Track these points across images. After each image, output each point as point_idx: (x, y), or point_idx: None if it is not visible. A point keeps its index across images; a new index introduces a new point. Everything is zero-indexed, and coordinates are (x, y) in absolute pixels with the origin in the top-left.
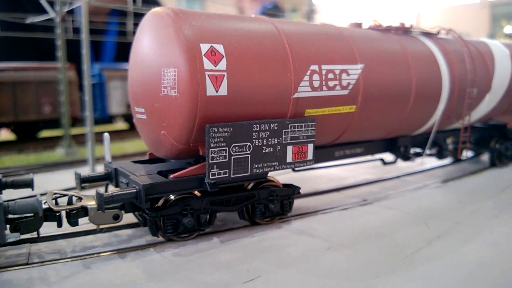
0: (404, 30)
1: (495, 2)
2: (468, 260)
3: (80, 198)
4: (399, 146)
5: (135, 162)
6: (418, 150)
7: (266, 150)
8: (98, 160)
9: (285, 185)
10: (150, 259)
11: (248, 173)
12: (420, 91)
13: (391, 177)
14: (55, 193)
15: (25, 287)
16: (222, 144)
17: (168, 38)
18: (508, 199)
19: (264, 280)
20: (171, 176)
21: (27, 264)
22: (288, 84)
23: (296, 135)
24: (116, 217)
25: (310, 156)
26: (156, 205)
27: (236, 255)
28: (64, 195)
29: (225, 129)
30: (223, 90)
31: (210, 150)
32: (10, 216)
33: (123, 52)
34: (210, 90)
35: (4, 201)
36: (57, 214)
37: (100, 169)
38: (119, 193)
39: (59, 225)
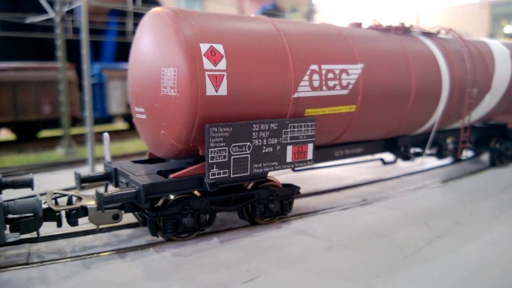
0: (404, 30)
1: (495, 2)
2: (468, 260)
3: (80, 198)
4: (399, 146)
5: (135, 162)
6: (418, 150)
7: (266, 150)
8: (98, 160)
9: (285, 185)
10: (149, 259)
11: (248, 173)
12: (420, 90)
13: (391, 177)
14: (55, 193)
15: (25, 287)
16: (222, 144)
17: (167, 38)
18: (508, 199)
19: (263, 280)
20: (171, 176)
21: (27, 264)
22: (288, 84)
23: (296, 135)
24: (116, 217)
25: (310, 156)
26: (155, 205)
27: (236, 255)
28: (64, 195)
29: (224, 129)
30: (222, 90)
31: (209, 150)
32: (10, 216)
33: (123, 52)
34: (210, 90)
35: (4, 201)
36: (57, 214)
37: (100, 169)
38: (119, 193)
39: (59, 225)
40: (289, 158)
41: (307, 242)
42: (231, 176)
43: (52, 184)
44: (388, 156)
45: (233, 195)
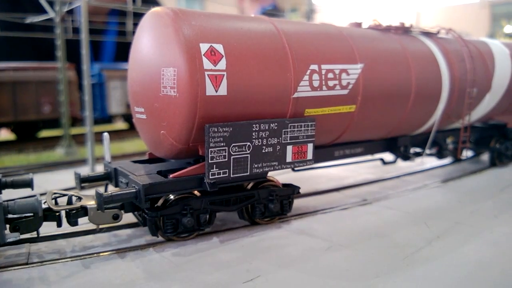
0: (404, 30)
1: (495, 2)
2: (468, 260)
3: (79, 198)
4: (399, 145)
5: (135, 162)
6: (418, 149)
7: (266, 150)
8: (98, 160)
9: (284, 185)
10: (149, 259)
11: (248, 173)
12: (420, 90)
13: (391, 177)
14: (55, 193)
15: (25, 287)
16: (222, 144)
17: (167, 38)
18: (508, 199)
19: (263, 280)
20: (171, 176)
21: (26, 264)
22: (287, 83)
23: (295, 134)
24: (116, 217)
25: (309, 156)
26: (155, 205)
27: (235, 255)
28: (64, 195)
29: (224, 129)
30: (222, 90)
31: (209, 150)
32: (10, 216)
33: (122, 52)
34: (210, 90)
35: (4, 201)
36: (57, 214)
37: (99, 169)
38: (119, 193)
39: (59, 225)
40: (289, 158)
41: (307, 242)
42: (231, 176)
43: (52, 184)
44: (388, 156)
45: (233, 195)
